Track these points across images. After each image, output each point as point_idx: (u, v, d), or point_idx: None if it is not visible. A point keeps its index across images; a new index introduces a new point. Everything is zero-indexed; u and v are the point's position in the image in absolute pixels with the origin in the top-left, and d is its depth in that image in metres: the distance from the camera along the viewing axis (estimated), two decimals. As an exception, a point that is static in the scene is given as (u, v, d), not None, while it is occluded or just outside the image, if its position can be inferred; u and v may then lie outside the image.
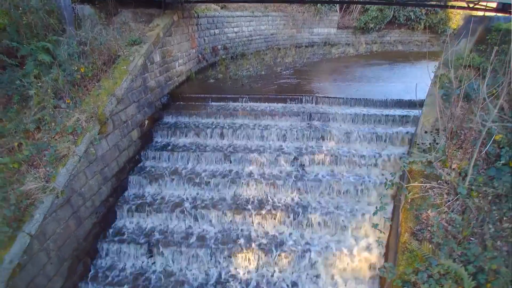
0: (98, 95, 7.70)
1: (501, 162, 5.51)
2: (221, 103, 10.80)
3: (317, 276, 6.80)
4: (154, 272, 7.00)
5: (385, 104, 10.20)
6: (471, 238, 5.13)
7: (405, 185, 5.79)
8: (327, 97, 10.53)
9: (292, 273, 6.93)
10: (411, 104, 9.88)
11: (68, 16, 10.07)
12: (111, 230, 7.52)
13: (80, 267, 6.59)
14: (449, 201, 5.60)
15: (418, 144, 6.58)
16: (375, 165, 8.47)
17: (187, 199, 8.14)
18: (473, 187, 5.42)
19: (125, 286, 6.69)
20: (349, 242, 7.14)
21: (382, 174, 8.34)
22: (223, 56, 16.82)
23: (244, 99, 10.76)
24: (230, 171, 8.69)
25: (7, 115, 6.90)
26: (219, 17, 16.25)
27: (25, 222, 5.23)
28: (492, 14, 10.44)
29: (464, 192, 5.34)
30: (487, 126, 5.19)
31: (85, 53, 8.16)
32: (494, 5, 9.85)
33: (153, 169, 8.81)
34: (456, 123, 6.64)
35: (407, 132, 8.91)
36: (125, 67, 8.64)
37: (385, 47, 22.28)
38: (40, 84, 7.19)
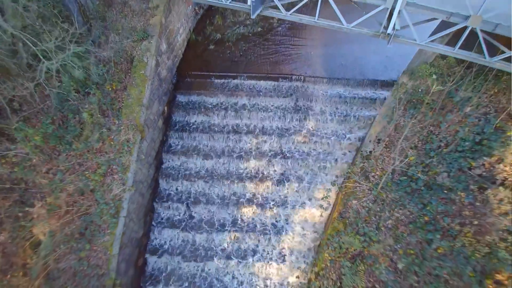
0: (130, 105, 10.08)
1: (405, 177, 8.81)
2: (223, 80, 12.75)
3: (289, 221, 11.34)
4: (193, 218, 11.50)
5: (361, 84, 12.22)
6: (373, 218, 9.12)
7: (343, 185, 9.32)
8: (313, 76, 12.40)
9: (275, 218, 11.44)
10: (384, 85, 11.99)
11: (73, 8, 10.85)
12: (159, 194, 11.60)
13: (148, 220, 11.03)
14: (368, 195, 9.28)
15: (361, 152, 9.64)
16: (341, 143, 11.61)
17: (205, 169, 11.82)
18: (381, 191, 8.97)
19: (177, 226, 11.32)
20: (311, 203, 11.32)
21: (349, 152, 11.61)
22: (219, -5, 16.47)
23: (242, 77, 12.64)
24: (234, 147, 11.96)
25: (68, 131, 9.61)
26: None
27: (120, 211, 9.13)
28: None
29: (376, 193, 8.95)
30: (396, 162, 8.24)
31: (110, 69, 9.91)
32: None
33: (177, 146, 12.07)
34: (392, 138, 9.48)
35: (371, 116, 11.54)
36: (143, 72, 10.47)
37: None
38: (87, 106, 9.54)
